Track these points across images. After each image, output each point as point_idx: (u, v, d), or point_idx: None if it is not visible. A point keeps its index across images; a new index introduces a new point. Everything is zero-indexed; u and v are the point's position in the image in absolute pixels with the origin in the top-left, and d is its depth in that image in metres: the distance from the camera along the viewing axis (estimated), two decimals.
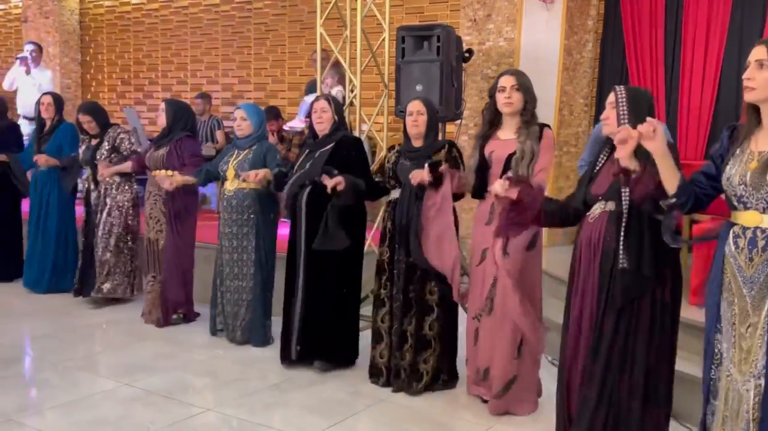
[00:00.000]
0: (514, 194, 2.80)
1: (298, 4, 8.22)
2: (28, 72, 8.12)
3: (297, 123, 6.77)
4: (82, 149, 5.44)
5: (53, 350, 4.33)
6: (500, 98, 3.39)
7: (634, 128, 2.41)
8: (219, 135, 7.75)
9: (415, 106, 3.73)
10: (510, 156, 3.35)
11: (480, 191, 3.53)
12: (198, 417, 3.40)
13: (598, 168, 2.79)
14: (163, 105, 5.03)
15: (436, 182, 3.49)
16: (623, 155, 2.43)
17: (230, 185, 4.51)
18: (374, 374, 3.87)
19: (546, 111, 6.19)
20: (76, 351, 4.35)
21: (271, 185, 4.30)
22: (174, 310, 4.95)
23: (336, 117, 4.04)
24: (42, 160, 5.59)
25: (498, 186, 2.87)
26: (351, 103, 5.12)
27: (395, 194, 3.79)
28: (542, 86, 6.08)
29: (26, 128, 7.40)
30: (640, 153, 2.39)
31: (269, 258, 4.54)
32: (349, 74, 4.90)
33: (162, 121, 4.95)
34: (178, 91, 9.42)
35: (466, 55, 5.82)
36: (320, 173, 3.89)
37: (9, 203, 6.08)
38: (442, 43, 5.17)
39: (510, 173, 3.20)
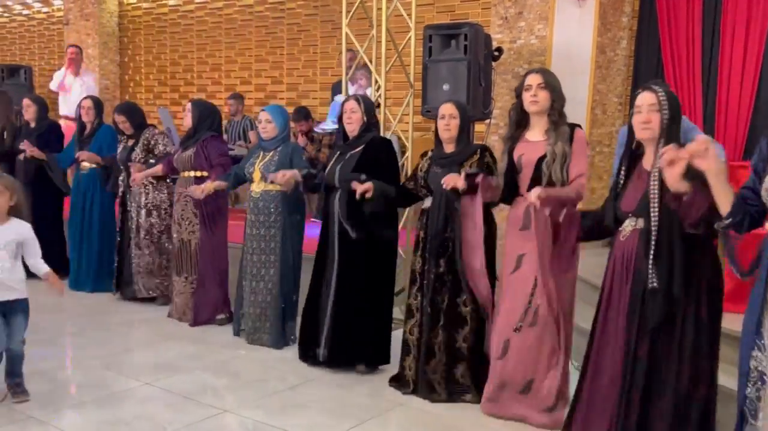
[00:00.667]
0: (547, 210, 2.81)
1: (330, 4, 8.21)
2: (76, 74, 8.29)
3: (327, 124, 6.75)
4: (119, 150, 5.50)
5: (80, 347, 4.39)
6: (526, 97, 3.26)
7: (676, 138, 2.29)
8: (252, 136, 7.77)
9: (447, 110, 3.61)
10: (540, 159, 3.20)
11: (510, 195, 3.38)
12: (215, 418, 3.40)
13: (622, 181, 2.68)
14: (188, 105, 5.03)
15: (470, 189, 3.39)
16: (672, 179, 2.26)
17: (256, 187, 4.48)
18: (402, 385, 3.77)
19: (578, 110, 6.08)
20: (102, 349, 4.39)
21: (299, 185, 4.26)
22: (215, 311, 4.95)
23: (365, 118, 3.97)
24: (84, 155, 5.67)
25: (533, 195, 2.84)
26: (377, 104, 5.07)
27: (428, 202, 3.67)
28: (574, 85, 6.00)
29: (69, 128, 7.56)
30: (690, 172, 2.22)
31: (296, 260, 4.51)
32: (374, 74, 4.84)
33: (188, 121, 4.96)
34: (213, 91, 9.52)
35: (496, 53, 5.73)
36: (348, 179, 3.83)
37: (52, 203, 6.16)
38: (469, 42, 5.09)
39: (544, 188, 3.12)
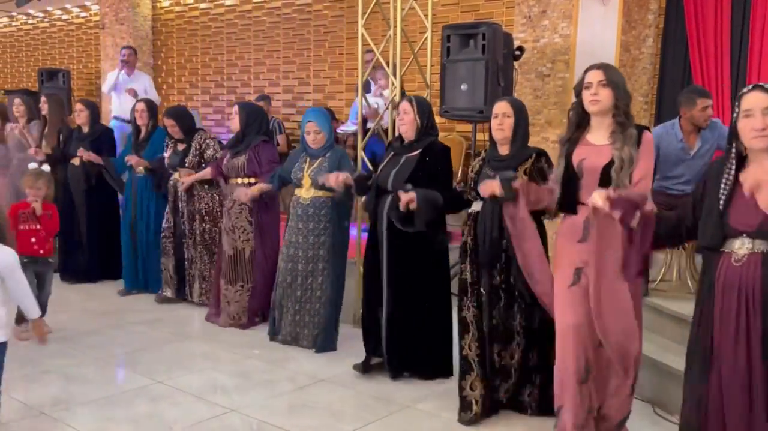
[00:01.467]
0: (617, 214, 2.46)
1: (356, 5, 8.19)
2: (129, 74, 8.14)
3: (349, 125, 6.76)
4: (168, 154, 5.42)
5: (98, 346, 4.47)
6: (586, 96, 2.92)
7: None
8: (280, 139, 7.79)
9: (500, 108, 3.38)
10: (607, 167, 2.86)
11: (568, 204, 3.00)
12: (221, 417, 3.42)
13: (725, 192, 2.28)
14: (235, 108, 4.90)
15: (510, 196, 3.10)
16: None
17: (306, 194, 4.39)
18: (464, 408, 3.43)
19: None
20: (119, 347, 4.47)
21: (352, 188, 4.09)
22: (257, 314, 4.97)
23: (419, 120, 3.79)
24: (133, 160, 5.60)
25: (598, 198, 2.50)
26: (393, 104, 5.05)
27: (476, 206, 3.45)
28: None
29: (121, 128, 7.55)
30: None
31: (342, 267, 4.47)
32: (390, 75, 4.83)
33: (235, 125, 4.85)
34: (242, 93, 9.62)
35: (517, 52, 5.66)
36: (397, 189, 3.68)
37: (108, 208, 6.18)
38: (487, 41, 5.05)
39: (613, 189, 2.66)
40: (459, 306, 3.50)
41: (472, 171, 3.53)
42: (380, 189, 3.86)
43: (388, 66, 5.04)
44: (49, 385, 3.78)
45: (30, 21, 12.82)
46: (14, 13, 12.17)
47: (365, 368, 4.00)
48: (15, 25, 13.18)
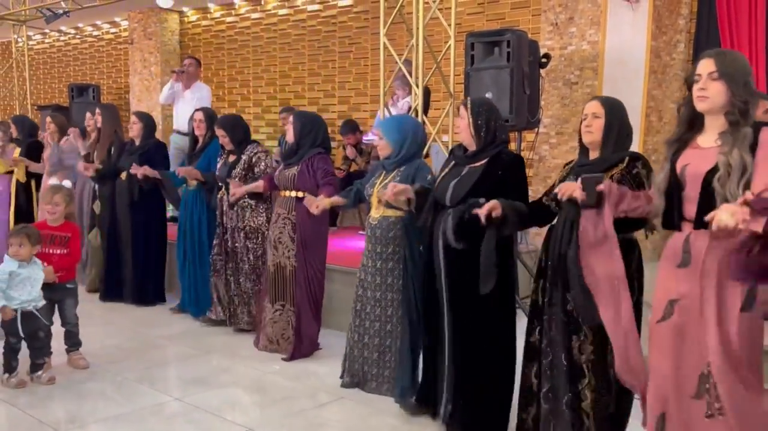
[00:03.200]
0: (759, 225, 1.92)
1: (380, 16, 8.17)
2: (186, 87, 7.70)
3: (371, 135, 6.69)
4: (219, 166, 5.15)
5: (118, 360, 4.42)
6: (694, 91, 2.43)
7: None
8: None
9: (590, 107, 2.93)
10: (709, 174, 2.34)
11: (672, 218, 2.48)
12: None
13: None
14: (290, 118, 4.59)
15: (591, 200, 2.59)
16: None
17: (375, 213, 3.86)
18: None
19: (632, 117, 5.75)
20: (140, 362, 4.42)
21: (411, 204, 3.49)
22: (311, 346, 4.57)
23: (479, 125, 3.26)
24: (182, 171, 5.31)
25: (725, 215, 2.00)
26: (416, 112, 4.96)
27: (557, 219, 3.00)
28: (628, 91, 5.74)
29: (180, 142, 7.32)
30: None
31: (418, 297, 3.73)
32: (412, 84, 4.74)
33: (290, 135, 4.52)
34: (268, 105, 9.62)
35: (543, 60, 5.54)
36: (466, 206, 3.15)
37: (156, 226, 5.90)
38: (512, 49, 4.93)
39: (749, 194, 2.09)
40: (528, 330, 3.08)
41: (558, 179, 3.07)
42: (437, 203, 3.35)
43: (410, 76, 4.95)
44: (65, 401, 3.74)
45: (62, 38, 13.04)
46: (47, 31, 12.39)
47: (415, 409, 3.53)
48: (48, 42, 13.42)
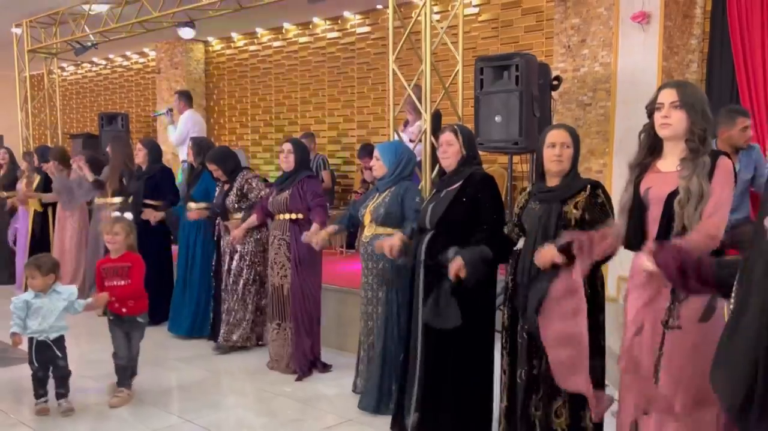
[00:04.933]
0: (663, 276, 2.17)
1: (397, 42, 8.29)
2: (171, 122, 8.08)
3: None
4: (216, 194, 5.37)
5: (135, 382, 4.51)
6: (657, 118, 2.56)
7: None
8: (325, 175, 7.86)
9: (558, 136, 2.97)
10: (671, 195, 2.49)
11: (636, 240, 2.59)
12: None
13: None
14: (289, 146, 4.72)
15: (570, 257, 2.71)
16: None
17: (367, 231, 4.07)
18: None
19: None
20: (153, 384, 4.49)
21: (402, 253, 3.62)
22: (312, 362, 4.68)
23: (464, 151, 3.43)
24: (194, 215, 5.47)
25: (647, 262, 2.25)
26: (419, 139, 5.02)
27: (521, 243, 3.08)
28: (640, 111, 5.70)
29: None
30: None
31: (402, 313, 3.84)
32: (421, 109, 4.81)
33: (290, 163, 4.67)
34: (290, 131, 9.77)
35: (555, 82, 5.57)
36: (435, 261, 3.27)
37: (160, 247, 6.01)
38: (521, 72, 4.97)
39: (651, 244, 2.36)
40: (500, 352, 3.19)
41: (517, 206, 3.17)
42: (420, 228, 3.52)
43: (420, 102, 5.01)
44: (79, 422, 3.82)
45: (94, 68, 13.45)
46: (80, 62, 12.79)
47: (393, 422, 3.62)
48: (80, 73, 13.84)
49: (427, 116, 4.66)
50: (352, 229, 4.58)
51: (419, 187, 4.62)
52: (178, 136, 7.75)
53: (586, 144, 6.01)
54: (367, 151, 7.22)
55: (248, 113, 10.51)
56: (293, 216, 4.63)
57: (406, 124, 6.51)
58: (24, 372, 4.11)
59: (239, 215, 5.14)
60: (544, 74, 5.37)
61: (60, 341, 3.94)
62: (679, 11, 5.74)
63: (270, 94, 10.14)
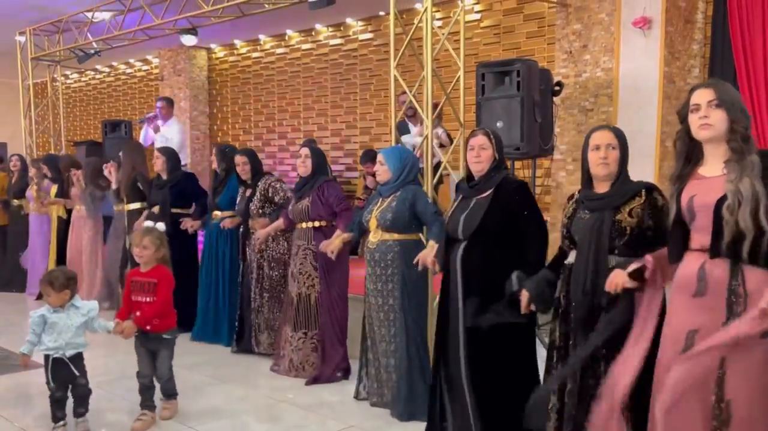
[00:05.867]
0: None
1: (400, 48, 8.31)
2: (156, 130, 8.01)
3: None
4: (238, 200, 5.29)
5: (133, 390, 4.50)
6: (694, 121, 2.40)
7: None
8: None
9: (603, 138, 2.75)
10: (720, 202, 2.31)
11: (678, 252, 2.45)
12: None
13: None
14: (306, 151, 4.62)
15: (641, 279, 2.55)
16: None
17: (372, 237, 4.00)
18: None
19: (647, 142, 5.80)
20: (158, 392, 4.48)
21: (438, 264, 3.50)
22: (335, 370, 4.59)
23: (497, 155, 3.27)
24: (228, 223, 5.32)
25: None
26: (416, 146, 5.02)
27: (571, 257, 2.82)
28: (642, 116, 5.75)
29: None
30: None
31: (419, 318, 3.95)
32: (423, 115, 4.81)
33: (307, 168, 4.57)
34: (293, 138, 9.80)
35: (556, 88, 5.58)
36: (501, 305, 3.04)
37: (186, 254, 5.82)
38: (522, 78, 4.99)
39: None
40: (546, 369, 2.98)
41: (564, 216, 2.92)
42: (450, 238, 3.34)
43: (420, 108, 5.02)
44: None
45: (97, 76, 13.50)
46: (83, 69, 12.84)
47: None
48: (84, 81, 13.89)
49: (428, 122, 4.66)
50: (363, 235, 4.36)
51: None
52: (178, 142, 7.73)
53: None
54: (369, 157, 7.24)
55: (251, 119, 10.54)
56: (316, 224, 4.54)
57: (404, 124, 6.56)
58: (28, 379, 4.10)
59: (265, 219, 5.04)
60: (546, 80, 5.39)
61: (77, 359, 3.70)
62: (681, 16, 5.75)
63: (273, 100, 10.17)
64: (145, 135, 8.22)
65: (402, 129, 6.55)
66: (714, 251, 2.32)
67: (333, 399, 4.29)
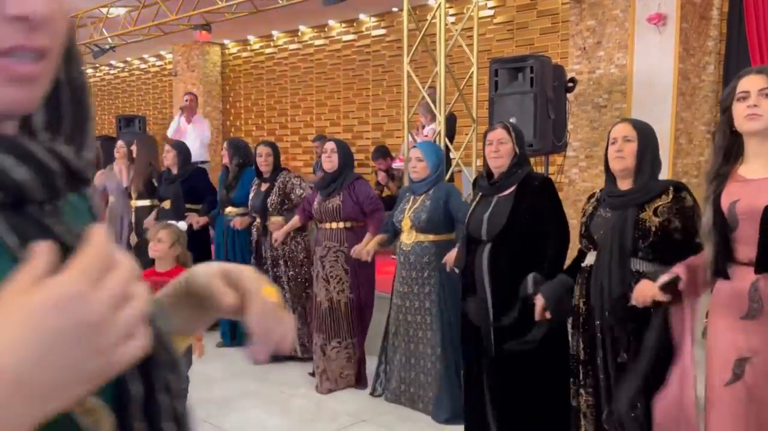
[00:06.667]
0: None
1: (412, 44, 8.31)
2: (188, 121, 7.96)
3: (399, 163, 6.79)
4: (251, 195, 5.06)
5: None
6: (740, 110, 2.08)
7: None
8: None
9: (619, 131, 2.56)
10: None
11: (724, 265, 2.11)
12: None
13: None
14: (332, 145, 4.34)
15: (674, 294, 2.28)
16: None
17: (407, 238, 3.82)
18: None
19: (661, 140, 5.74)
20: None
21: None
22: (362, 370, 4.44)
23: (518, 150, 3.08)
24: (238, 223, 5.16)
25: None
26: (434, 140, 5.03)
27: (590, 258, 2.63)
28: (657, 113, 5.72)
29: None
30: None
31: (455, 320, 3.74)
32: (435, 111, 4.82)
33: (333, 164, 4.28)
34: (305, 134, 9.82)
35: (570, 84, 5.56)
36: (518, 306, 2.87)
37: (199, 251, 5.51)
38: (535, 74, 4.98)
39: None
40: (571, 390, 2.74)
41: (584, 215, 2.72)
42: (472, 238, 3.14)
43: (434, 103, 5.03)
44: None
45: (112, 71, 13.58)
46: (97, 65, 12.93)
47: None
48: (99, 76, 13.98)
49: (441, 118, 4.67)
50: (397, 237, 4.09)
51: None
52: (208, 138, 7.73)
53: (601, 147, 5.99)
54: (381, 153, 7.25)
55: (264, 115, 10.57)
56: (348, 224, 4.24)
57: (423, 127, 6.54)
58: None
59: (279, 218, 4.84)
60: (559, 76, 5.37)
61: None
62: (696, 13, 5.72)
63: (285, 96, 10.20)
64: (176, 127, 8.07)
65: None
66: (762, 265, 2.01)
67: (343, 396, 4.31)
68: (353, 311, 4.29)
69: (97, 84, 14.02)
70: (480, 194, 3.17)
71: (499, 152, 3.05)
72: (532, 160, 5.96)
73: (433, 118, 5.66)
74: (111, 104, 13.64)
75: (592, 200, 2.73)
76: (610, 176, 2.62)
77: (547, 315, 2.68)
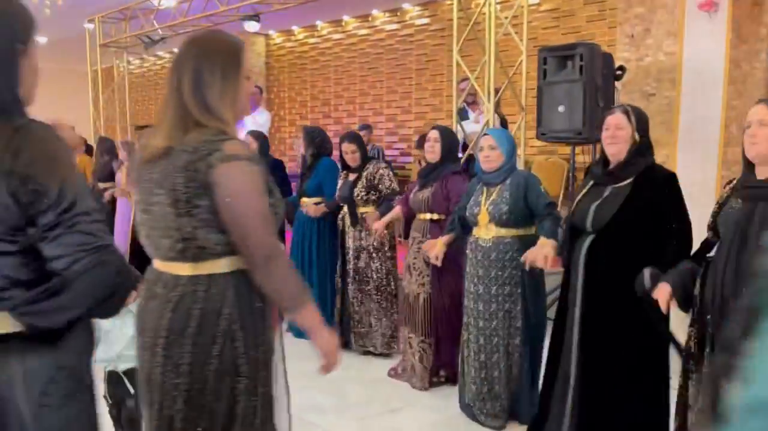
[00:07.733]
0: None
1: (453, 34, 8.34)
2: (248, 112, 8.13)
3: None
4: (339, 185, 4.92)
5: None
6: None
7: None
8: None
9: (754, 114, 2.31)
10: None
11: None
12: None
13: None
14: (436, 134, 4.13)
15: None
16: None
17: (485, 233, 3.48)
18: None
19: (711, 128, 5.71)
20: None
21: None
22: (438, 370, 4.19)
23: (639, 137, 2.76)
24: (312, 210, 5.06)
25: None
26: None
27: (714, 250, 2.45)
28: (707, 101, 5.67)
29: None
30: None
31: (539, 323, 3.51)
32: (484, 100, 4.86)
33: (435, 153, 4.09)
34: (348, 123, 9.93)
35: (618, 72, 5.55)
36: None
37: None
38: (585, 62, 4.98)
39: None
40: (682, 383, 2.60)
41: (717, 204, 2.48)
42: (576, 228, 2.91)
43: (482, 93, 5.07)
44: None
45: (159, 62, 13.86)
46: (144, 56, 13.21)
47: None
48: (145, 66, 14.29)
49: (489, 106, 4.71)
50: (468, 234, 3.75)
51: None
52: (267, 131, 7.80)
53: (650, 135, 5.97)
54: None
55: (307, 105, 10.70)
56: (434, 217, 4.05)
57: (464, 111, 6.56)
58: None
59: (365, 209, 4.72)
60: (608, 64, 5.35)
61: (133, 374, 3.11)
62: None
63: (329, 86, 10.31)
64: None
65: (461, 115, 6.58)
66: None
67: (395, 381, 4.39)
68: (434, 307, 4.06)
69: (145, 74, 14.33)
70: (591, 182, 2.92)
71: (616, 138, 2.76)
72: (579, 149, 6.05)
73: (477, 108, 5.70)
74: (158, 94, 13.93)
75: (728, 187, 2.46)
76: (747, 163, 2.36)
77: (673, 306, 2.46)
